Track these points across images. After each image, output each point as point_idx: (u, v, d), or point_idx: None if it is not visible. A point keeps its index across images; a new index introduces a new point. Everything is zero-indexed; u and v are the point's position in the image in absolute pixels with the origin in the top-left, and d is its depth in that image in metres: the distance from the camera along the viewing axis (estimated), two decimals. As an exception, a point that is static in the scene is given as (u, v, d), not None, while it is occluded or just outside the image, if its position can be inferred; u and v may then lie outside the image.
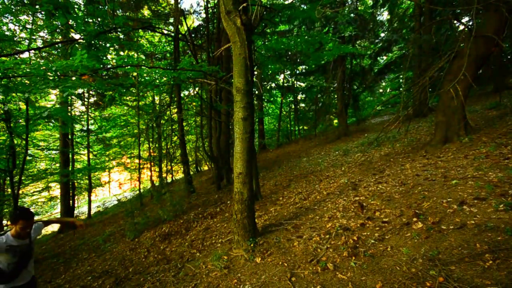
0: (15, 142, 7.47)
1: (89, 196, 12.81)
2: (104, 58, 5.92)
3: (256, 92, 13.48)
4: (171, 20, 9.94)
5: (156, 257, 4.43)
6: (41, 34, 7.76)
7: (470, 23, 6.38)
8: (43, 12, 5.86)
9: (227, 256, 3.27)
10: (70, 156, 11.01)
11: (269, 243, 3.25)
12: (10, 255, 2.33)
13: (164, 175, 13.02)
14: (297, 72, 15.06)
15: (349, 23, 10.07)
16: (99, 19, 5.61)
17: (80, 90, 10.10)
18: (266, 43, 8.92)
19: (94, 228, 8.87)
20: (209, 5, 8.67)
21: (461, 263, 1.91)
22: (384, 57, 14.07)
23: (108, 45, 6.25)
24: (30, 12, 6.52)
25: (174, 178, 15.29)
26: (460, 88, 4.59)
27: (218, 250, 3.58)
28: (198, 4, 24.81)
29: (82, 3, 6.34)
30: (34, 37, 7.52)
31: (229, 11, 3.17)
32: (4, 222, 9.11)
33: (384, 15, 13.76)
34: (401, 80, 14.81)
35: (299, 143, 13.85)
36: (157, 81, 7.39)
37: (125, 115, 13.30)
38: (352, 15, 10.32)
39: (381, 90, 18.80)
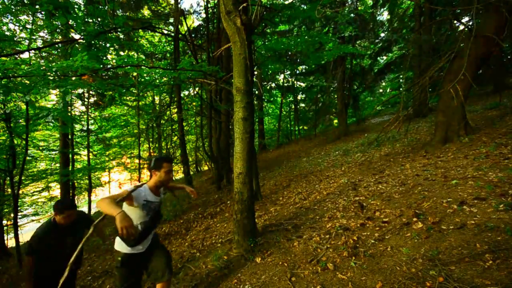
0: (15, 142, 7.47)
1: (89, 196, 12.81)
2: (104, 58, 5.92)
3: (256, 92, 13.48)
4: (171, 20, 9.93)
5: (156, 257, 4.43)
6: (41, 34, 7.74)
7: (470, 23, 6.38)
8: (43, 12, 5.85)
9: (227, 256, 3.27)
10: (70, 156, 11.01)
11: (269, 243, 3.25)
12: (144, 212, 2.04)
13: (164, 175, 12.99)
14: (297, 72, 15.05)
15: (349, 23, 10.07)
16: (99, 19, 5.60)
17: (80, 90, 10.10)
18: (266, 43, 8.91)
19: (94, 228, 8.86)
20: (209, 5, 8.67)
21: (461, 263, 1.91)
22: (384, 57, 14.06)
23: (108, 45, 6.25)
24: (30, 12, 6.51)
25: (174, 178, 15.28)
26: (460, 88, 4.59)
27: (218, 250, 3.57)
28: (198, 4, 24.79)
29: (82, 3, 6.33)
30: (34, 37, 7.51)
31: (229, 11, 3.17)
32: (4, 222, 9.11)
33: (384, 15, 13.76)
34: (401, 80, 14.82)
35: (299, 143, 13.84)
36: (157, 81, 7.38)
37: (125, 115, 13.31)
38: (352, 15, 10.32)
39: (381, 90, 18.81)
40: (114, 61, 5.72)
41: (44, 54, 8.20)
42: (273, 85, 16.51)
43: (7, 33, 6.31)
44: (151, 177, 2.13)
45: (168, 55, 11.26)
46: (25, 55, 7.65)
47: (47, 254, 2.36)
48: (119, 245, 2.10)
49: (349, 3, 11.03)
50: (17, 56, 4.98)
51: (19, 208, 9.24)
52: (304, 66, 14.25)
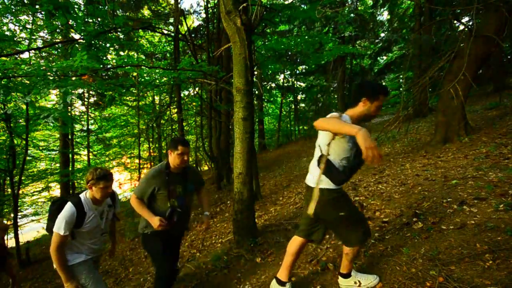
0: (15, 142, 7.47)
1: (89, 196, 12.78)
2: (104, 58, 5.93)
3: (256, 92, 13.49)
4: (171, 20, 9.93)
5: (156, 257, 4.42)
6: (41, 34, 7.75)
7: (470, 23, 6.38)
8: (43, 12, 5.86)
9: (227, 256, 3.27)
10: (70, 156, 11.01)
11: (269, 243, 3.25)
12: (349, 145, 1.67)
13: (164, 175, 12.97)
14: (297, 72, 15.06)
15: (349, 23, 10.08)
16: (99, 19, 5.61)
17: (80, 90, 10.09)
18: (266, 43, 8.91)
19: (94, 228, 8.85)
20: (209, 5, 8.66)
21: (461, 263, 1.91)
22: (384, 57, 14.06)
23: (108, 45, 6.25)
24: (30, 12, 6.52)
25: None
26: (460, 88, 4.59)
27: (218, 250, 3.58)
28: (198, 4, 24.80)
29: (82, 3, 6.33)
30: (34, 37, 7.51)
31: (229, 11, 3.17)
32: (4, 222, 9.10)
33: (384, 15, 13.76)
34: (401, 80, 14.81)
35: (299, 143, 13.84)
36: (157, 81, 7.39)
37: (125, 115, 13.29)
38: (352, 15, 10.33)
39: (381, 90, 18.77)
40: (114, 61, 5.73)
41: (44, 54, 8.21)
42: (273, 85, 16.51)
43: (7, 33, 6.31)
44: (356, 105, 1.79)
45: (168, 55, 11.25)
46: (25, 55, 7.65)
47: (157, 197, 2.20)
48: (324, 183, 1.72)
49: (349, 3, 11.04)
50: (17, 56, 4.99)
51: (19, 208, 9.24)
52: (304, 66, 14.26)
